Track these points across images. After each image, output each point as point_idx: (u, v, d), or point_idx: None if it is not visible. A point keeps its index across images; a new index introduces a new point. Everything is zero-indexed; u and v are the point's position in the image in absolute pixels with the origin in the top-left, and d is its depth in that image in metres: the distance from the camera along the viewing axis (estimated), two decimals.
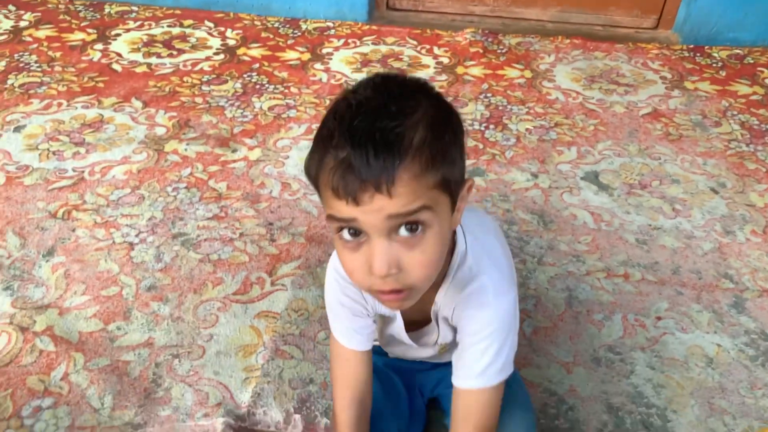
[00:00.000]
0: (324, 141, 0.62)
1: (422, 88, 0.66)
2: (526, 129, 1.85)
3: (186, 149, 1.70)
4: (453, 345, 0.84)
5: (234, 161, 1.67)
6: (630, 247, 1.43)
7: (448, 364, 0.83)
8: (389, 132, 0.59)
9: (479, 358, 0.75)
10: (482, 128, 1.84)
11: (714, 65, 2.26)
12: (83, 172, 1.59)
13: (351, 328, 0.82)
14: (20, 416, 1.02)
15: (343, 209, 0.61)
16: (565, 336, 1.20)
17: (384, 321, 0.86)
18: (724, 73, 2.20)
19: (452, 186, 0.65)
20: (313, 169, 0.63)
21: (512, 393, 0.83)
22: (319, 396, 1.06)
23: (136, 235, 1.40)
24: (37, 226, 1.41)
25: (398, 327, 0.84)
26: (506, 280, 0.78)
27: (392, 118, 0.60)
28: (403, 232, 0.62)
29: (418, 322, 0.84)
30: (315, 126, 1.81)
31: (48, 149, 1.67)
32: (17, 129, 1.75)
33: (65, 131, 1.75)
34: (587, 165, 1.70)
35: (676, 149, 1.78)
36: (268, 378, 1.09)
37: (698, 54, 2.33)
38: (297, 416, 1.03)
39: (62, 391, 1.06)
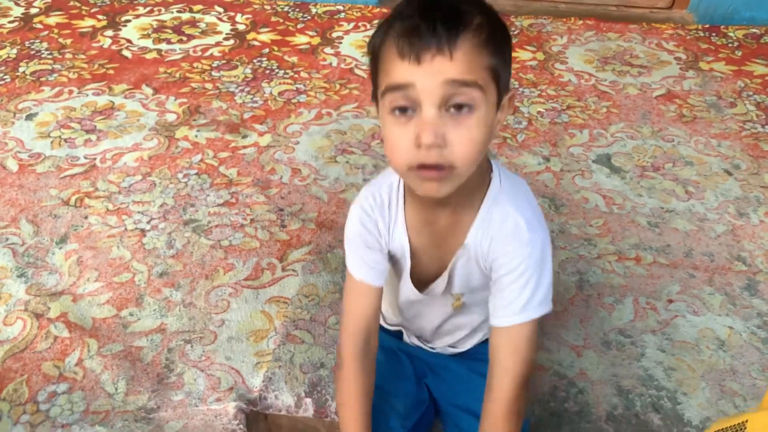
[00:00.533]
0: (393, 15, 0.68)
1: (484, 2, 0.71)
2: (538, 112, 1.83)
3: (196, 135, 1.70)
4: (471, 300, 0.87)
5: (244, 147, 1.67)
6: (642, 230, 1.42)
7: (459, 368, 0.87)
8: (455, 8, 0.66)
9: (520, 293, 0.76)
10: None
11: (730, 45, 2.22)
12: (95, 159, 1.60)
13: (364, 260, 0.84)
14: (36, 401, 1.04)
15: (404, 72, 0.66)
16: (576, 320, 1.20)
17: (395, 270, 0.87)
18: (740, 53, 2.16)
19: (501, 80, 0.70)
20: (378, 38, 0.69)
21: None
22: (329, 380, 1.07)
23: (148, 222, 1.41)
24: (50, 213, 1.42)
25: (406, 263, 0.85)
26: (538, 217, 0.79)
27: (458, 1, 0.67)
28: (452, 110, 0.67)
29: (428, 281, 0.86)
30: (325, 111, 1.82)
31: (60, 137, 1.68)
32: (29, 117, 1.76)
33: (76, 118, 1.76)
34: (599, 148, 1.69)
35: (690, 131, 1.76)
36: (279, 362, 1.10)
37: (714, 34, 2.29)
38: (308, 400, 1.04)
39: (77, 377, 1.07)
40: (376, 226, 0.83)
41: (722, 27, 2.32)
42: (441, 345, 1.00)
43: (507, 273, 0.77)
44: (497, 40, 0.69)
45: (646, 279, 1.29)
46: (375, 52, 0.71)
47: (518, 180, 0.84)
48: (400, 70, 0.66)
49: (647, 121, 1.80)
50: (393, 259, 0.87)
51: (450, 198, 0.74)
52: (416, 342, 1.02)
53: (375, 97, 0.74)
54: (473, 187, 0.77)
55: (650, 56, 2.14)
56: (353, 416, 0.85)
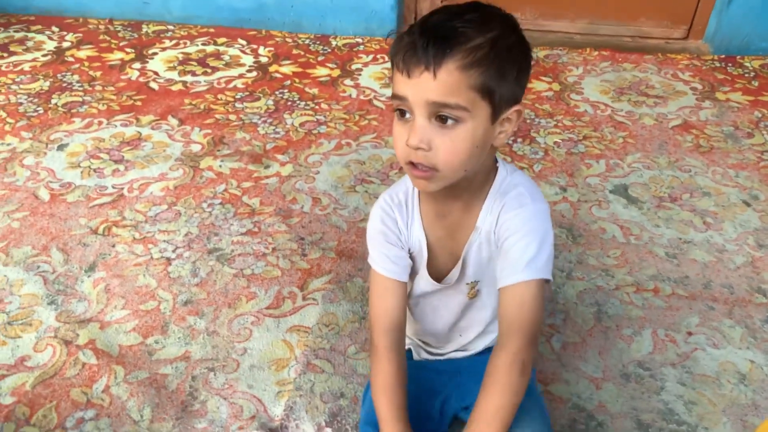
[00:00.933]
0: (409, 28, 0.75)
1: (508, 20, 0.77)
2: (554, 142, 1.85)
3: (221, 166, 1.75)
4: (484, 289, 0.93)
5: (267, 177, 1.71)
6: (660, 261, 1.42)
7: (471, 367, 0.93)
8: (453, 29, 0.72)
9: (523, 252, 0.81)
10: (510, 141, 1.85)
11: (746, 75, 2.23)
12: (122, 189, 1.65)
13: (386, 256, 0.90)
14: (64, 427, 1.06)
15: (401, 85, 0.74)
16: (594, 351, 1.21)
17: (414, 260, 0.93)
18: (756, 83, 2.17)
19: (496, 97, 0.74)
20: (393, 50, 0.76)
21: (529, 403, 0.86)
22: (349, 410, 1.09)
23: (173, 251, 1.45)
24: (79, 242, 1.47)
25: (422, 259, 0.91)
26: (539, 194, 0.87)
27: (463, 21, 0.72)
28: (439, 120, 0.74)
29: (443, 273, 0.92)
30: (345, 141, 1.86)
31: (89, 167, 1.74)
32: (60, 147, 1.82)
33: (105, 149, 1.82)
34: (616, 178, 1.70)
35: (707, 161, 1.77)
36: (300, 392, 1.12)
37: (730, 64, 2.30)
38: (328, 430, 1.05)
39: (104, 403, 1.10)
40: (396, 224, 0.90)
41: (738, 57, 2.34)
42: (452, 348, 1.03)
43: (511, 234, 0.83)
44: (497, 59, 0.73)
45: (664, 311, 1.30)
46: (390, 59, 0.78)
47: (522, 173, 0.90)
48: (398, 82, 0.75)
49: (664, 151, 1.81)
50: (411, 256, 0.92)
51: (460, 191, 0.84)
52: (426, 355, 1.05)
53: None
54: (481, 182, 0.85)
55: (666, 87, 2.16)
56: (389, 402, 0.88)
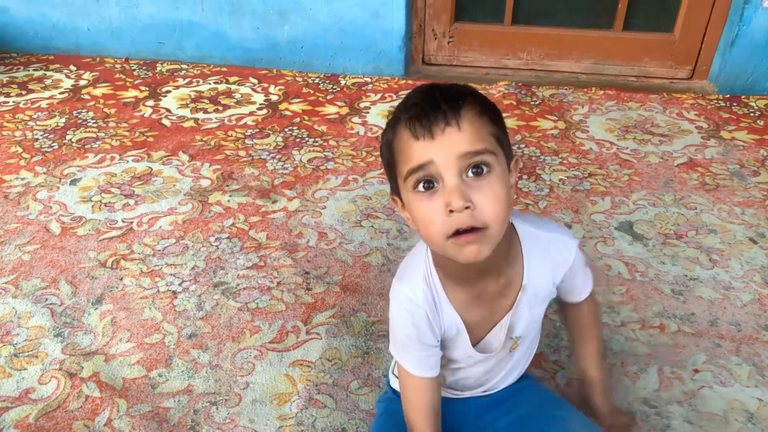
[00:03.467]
0: (397, 112, 0.76)
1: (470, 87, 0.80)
2: (560, 179, 1.87)
3: (229, 200, 1.78)
4: (527, 335, 0.93)
5: (274, 212, 1.73)
6: (665, 298, 1.42)
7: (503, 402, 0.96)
8: (449, 87, 0.75)
9: (583, 275, 0.96)
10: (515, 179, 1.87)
11: (751, 114, 2.25)
12: (132, 222, 1.68)
13: (420, 358, 0.87)
14: None
15: (422, 151, 0.72)
16: None
17: (451, 341, 0.89)
18: (762, 122, 2.19)
19: (505, 143, 0.77)
20: (389, 133, 0.77)
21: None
22: None
23: (180, 284, 1.46)
24: (87, 275, 1.49)
25: (463, 340, 0.87)
26: (559, 225, 0.93)
27: (447, 86, 0.76)
28: (471, 174, 0.72)
29: (481, 336, 0.89)
30: (352, 177, 1.88)
31: (100, 201, 1.77)
32: (73, 182, 1.86)
33: (117, 184, 1.86)
34: (621, 215, 1.71)
35: (713, 199, 1.77)
36: (301, 427, 1.11)
37: (735, 103, 2.33)
38: None
39: None
40: (427, 319, 0.84)
41: (743, 97, 2.36)
42: (478, 392, 1.00)
43: (573, 273, 0.90)
44: (492, 113, 0.77)
45: (670, 348, 1.29)
46: (389, 145, 0.77)
47: (525, 215, 0.92)
48: (417, 150, 0.73)
49: (669, 189, 1.82)
50: (447, 339, 0.88)
51: (492, 264, 0.80)
52: (445, 394, 1.00)
53: (395, 191, 0.81)
54: (507, 243, 0.82)
55: (671, 125, 2.18)
56: None
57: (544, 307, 0.93)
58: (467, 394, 1.01)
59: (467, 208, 0.70)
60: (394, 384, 1.04)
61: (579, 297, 0.98)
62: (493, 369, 0.96)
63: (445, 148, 0.71)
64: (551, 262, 0.86)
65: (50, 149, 2.04)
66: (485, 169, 0.72)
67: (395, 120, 0.77)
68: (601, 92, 2.43)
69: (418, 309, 0.83)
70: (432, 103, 0.72)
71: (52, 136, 2.12)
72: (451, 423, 0.98)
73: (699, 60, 2.47)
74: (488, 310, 0.86)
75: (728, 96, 2.37)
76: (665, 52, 2.50)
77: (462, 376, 0.97)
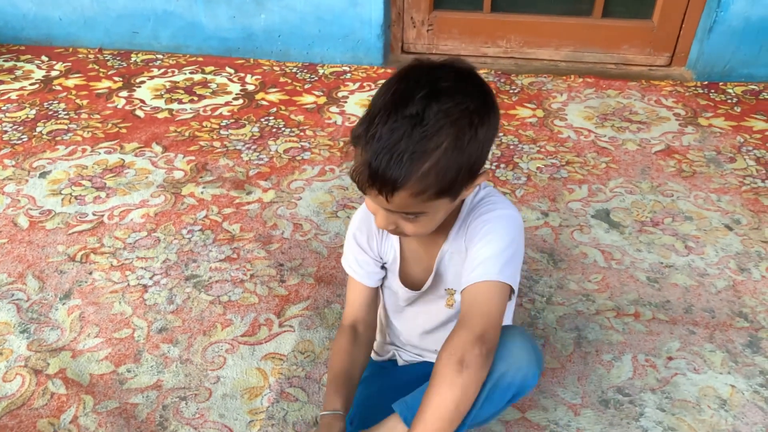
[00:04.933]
0: (369, 124, 0.73)
1: (476, 96, 0.75)
2: (537, 167, 1.86)
3: (202, 192, 1.75)
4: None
5: (248, 203, 1.70)
6: (641, 285, 1.41)
7: None
8: (405, 153, 0.71)
9: (480, 249, 0.83)
10: (493, 167, 1.85)
11: (729, 101, 2.25)
12: (103, 216, 1.65)
13: (354, 257, 0.97)
14: None
15: (365, 187, 0.76)
16: (573, 377, 1.19)
17: (389, 268, 0.98)
18: (739, 109, 2.19)
19: (455, 189, 0.76)
20: (354, 141, 0.76)
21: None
22: None
23: (151, 278, 1.43)
24: (56, 269, 1.45)
25: (397, 268, 0.96)
26: (507, 202, 0.89)
27: (415, 138, 0.70)
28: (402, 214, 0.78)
29: (418, 283, 0.96)
30: (328, 167, 1.86)
31: (70, 194, 1.73)
32: (42, 175, 1.82)
33: (88, 176, 1.82)
34: (598, 203, 1.70)
35: (690, 186, 1.77)
36: (272, 421, 1.10)
37: (712, 90, 2.33)
38: None
39: None
40: (371, 231, 0.96)
41: (721, 84, 2.36)
42: (429, 348, 1.04)
43: (475, 238, 0.85)
44: (455, 163, 0.73)
45: (645, 336, 1.28)
46: (354, 143, 0.77)
47: (490, 187, 0.93)
48: (364, 183, 0.76)
49: (646, 176, 1.82)
50: (384, 266, 0.98)
51: None
52: (408, 357, 1.07)
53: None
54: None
55: (649, 112, 2.18)
56: (332, 378, 0.94)
57: None
58: (416, 357, 1.05)
59: (390, 228, 0.81)
60: None
61: (465, 281, 0.83)
62: (436, 327, 0.99)
63: (378, 201, 0.76)
64: (472, 216, 0.87)
65: (19, 141, 1.99)
66: (412, 216, 0.78)
67: (364, 131, 0.73)
68: (580, 80, 2.41)
69: (370, 220, 0.94)
70: (378, 167, 0.71)
71: (21, 128, 2.07)
72: (398, 390, 0.98)
73: (677, 47, 2.47)
74: (423, 248, 0.93)
75: (706, 83, 2.37)
76: (644, 39, 2.49)
77: (410, 327, 1.03)
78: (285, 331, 1.29)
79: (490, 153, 1.89)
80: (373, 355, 1.10)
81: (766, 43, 2.30)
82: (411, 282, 0.96)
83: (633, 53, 2.52)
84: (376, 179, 0.72)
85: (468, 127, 0.72)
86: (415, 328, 1.02)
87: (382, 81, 2.44)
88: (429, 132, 0.70)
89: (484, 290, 0.80)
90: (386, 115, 0.71)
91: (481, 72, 2.43)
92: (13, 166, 1.86)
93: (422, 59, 0.77)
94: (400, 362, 1.08)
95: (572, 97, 2.29)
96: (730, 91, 2.32)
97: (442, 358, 0.77)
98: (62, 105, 2.24)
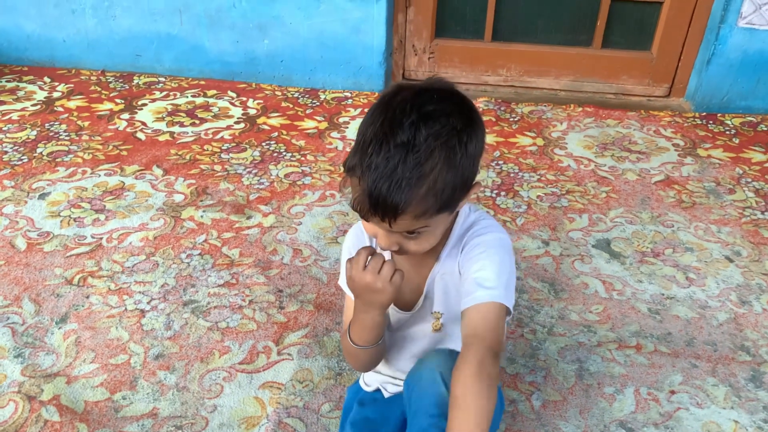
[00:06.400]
0: (363, 154, 0.74)
1: (457, 114, 0.76)
2: (538, 196, 1.86)
3: (202, 216, 1.74)
4: (450, 323, 0.94)
5: (248, 228, 1.70)
6: (642, 317, 1.41)
7: None
8: (403, 180, 0.73)
9: (479, 272, 0.85)
10: (493, 195, 1.86)
11: (727, 132, 2.27)
12: (101, 238, 1.64)
13: None
14: None
15: (365, 213, 0.78)
16: (575, 410, 1.17)
17: None
18: (737, 141, 2.21)
19: (453, 203, 0.79)
20: (349, 172, 0.77)
21: None
22: None
23: (148, 302, 1.42)
24: (52, 292, 1.44)
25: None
26: (497, 225, 0.91)
27: (408, 165, 0.72)
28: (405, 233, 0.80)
29: (410, 303, 0.96)
30: (329, 192, 1.85)
31: (69, 216, 1.73)
32: (42, 196, 1.81)
33: (87, 198, 1.81)
34: (599, 232, 1.70)
35: (690, 217, 1.77)
36: None
37: (711, 121, 2.34)
38: None
39: None
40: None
41: (719, 115, 2.38)
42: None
43: (469, 261, 0.86)
44: (450, 182, 0.76)
45: (647, 368, 1.27)
46: (350, 172, 0.78)
47: (479, 209, 0.96)
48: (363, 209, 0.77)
49: (646, 206, 1.82)
50: None
51: None
52: (394, 390, 1.05)
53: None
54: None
55: (649, 143, 2.19)
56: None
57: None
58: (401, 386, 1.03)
59: (393, 249, 0.82)
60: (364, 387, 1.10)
61: (466, 302, 0.84)
62: (423, 351, 0.98)
63: (382, 227, 0.79)
64: (465, 239, 0.89)
65: (19, 162, 1.99)
66: (415, 234, 0.80)
67: (358, 162, 0.75)
68: (580, 109, 2.43)
69: (363, 236, 0.94)
70: (376, 197, 0.74)
71: (22, 149, 2.07)
72: (399, 415, 1.00)
73: (676, 78, 2.50)
74: (414, 269, 0.93)
75: (704, 114, 2.39)
76: (643, 70, 2.51)
77: (396, 351, 1.01)
78: (283, 359, 1.27)
79: (491, 180, 1.92)
80: (362, 384, 1.10)
81: (763, 76, 2.33)
82: (401, 303, 0.97)
83: (632, 84, 2.55)
84: (378, 207, 0.75)
85: (458, 146, 0.75)
86: (404, 352, 1.01)
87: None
88: (422, 157, 0.73)
89: (489, 310, 0.83)
90: (378, 145, 0.73)
91: (482, 100, 2.46)
92: (12, 187, 1.86)
93: (403, 84, 0.79)
94: (386, 394, 1.07)
95: (572, 126, 2.30)
96: (729, 122, 2.34)
97: (467, 369, 0.77)
98: (63, 126, 2.25)
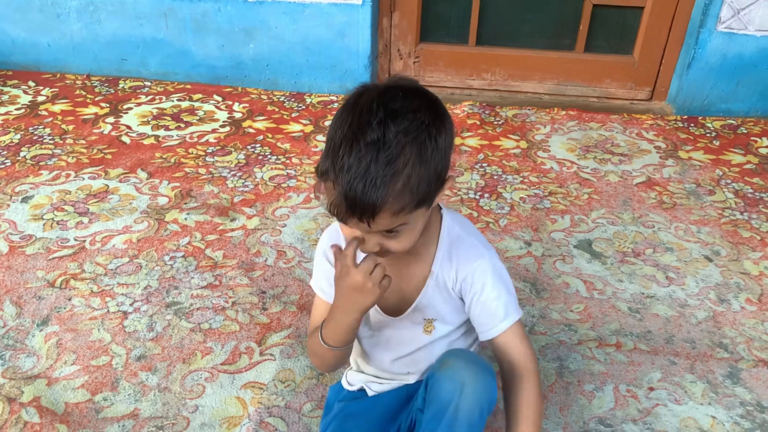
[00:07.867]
0: (335, 157, 0.74)
1: (425, 110, 0.77)
2: (521, 198, 1.88)
3: (186, 218, 1.74)
4: (441, 329, 0.96)
5: (232, 230, 1.70)
6: (622, 315, 1.42)
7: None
8: (377, 178, 0.73)
9: (496, 305, 0.90)
10: (477, 197, 1.87)
11: (708, 135, 2.30)
12: (84, 241, 1.63)
13: (328, 280, 0.94)
14: None
15: (342, 216, 0.78)
16: (555, 408, 1.18)
17: None
18: (717, 143, 2.24)
19: (429, 199, 0.80)
20: (322, 176, 0.77)
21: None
22: None
23: (131, 304, 1.42)
24: (34, 295, 1.44)
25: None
26: (486, 242, 0.94)
27: (383, 162, 0.73)
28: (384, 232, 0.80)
29: (395, 310, 0.96)
30: (314, 195, 1.86)
31: (52, 219, 1.72)
32: (25, 199, 1.80)
33: (71, 201, 1.81)
34: (581, 233, 1.71)
35: (670, 217, 1.79)
36: None
37: (692, 124, 2.38)
38: None
39: None
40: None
41: (700, 118, 2.42)
42: (401, 371, 1.03)
43: (482, 288, 0.90)
44: (424, 178, 0.76)
45: (626, 366, 1.29)
46: (323, 176, 0.77)
47: (462, 217, 0.98)
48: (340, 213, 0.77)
49: (628, 207, 1.84)
50: None
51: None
52: (378, 388, 1.05)
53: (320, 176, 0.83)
54: (429, 228, 0.90)
55: (631, 145, 2.22)
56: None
57: (454, 306, 0.95)
58: (386, 384, 1.04)
59: (375, 251, 0.82)
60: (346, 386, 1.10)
61: (492, 329, 0.91)
62: (411, 352, 0.99)
63: (361, 227, 0.79)
64: (457, 258, 0.91)
65: (2, 166, 1.98)
66: (394, 233, 0.80)
67: (331, 164, 0.75)
68: (563, 112, 2.46)
69: (339, 238, 0.93)
70: (352, 198, 0.73)
71: (5, 152, 2.06)
72: (384, 414, 1.02)
73: (658, 82, 2.53)
74: (400, 279, 0.92)
75: (686, 117, 2.42)
76: (625, 74, 2.54)
77: (380, 351, 1.01)
78: (266, 360, 1.28)
79: (474, 183, 1.93)
80: (344, 383, 1.10)
81: (742, 79, 2.36)
82: (383, 305, 0.96)
83: (615, 87, 2.58)
84: (355, 208, 0.74)
85: (428, 140, 0.76)
86: (387, 354, 1.01)
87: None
88: (394, 153, 0.73)
89: (515, 333, 0.91)
90: (349, 146, 0.73)
91: (466, 104, 2.47)
92: None
93: (367, 85, 0.80)
94: (370, 393, 1.06)
95: (555, 129, 2.32)
96: (709, 125, 2.37)
97: (530, 385, 0.88)
98: (47, 130, 2.24)
